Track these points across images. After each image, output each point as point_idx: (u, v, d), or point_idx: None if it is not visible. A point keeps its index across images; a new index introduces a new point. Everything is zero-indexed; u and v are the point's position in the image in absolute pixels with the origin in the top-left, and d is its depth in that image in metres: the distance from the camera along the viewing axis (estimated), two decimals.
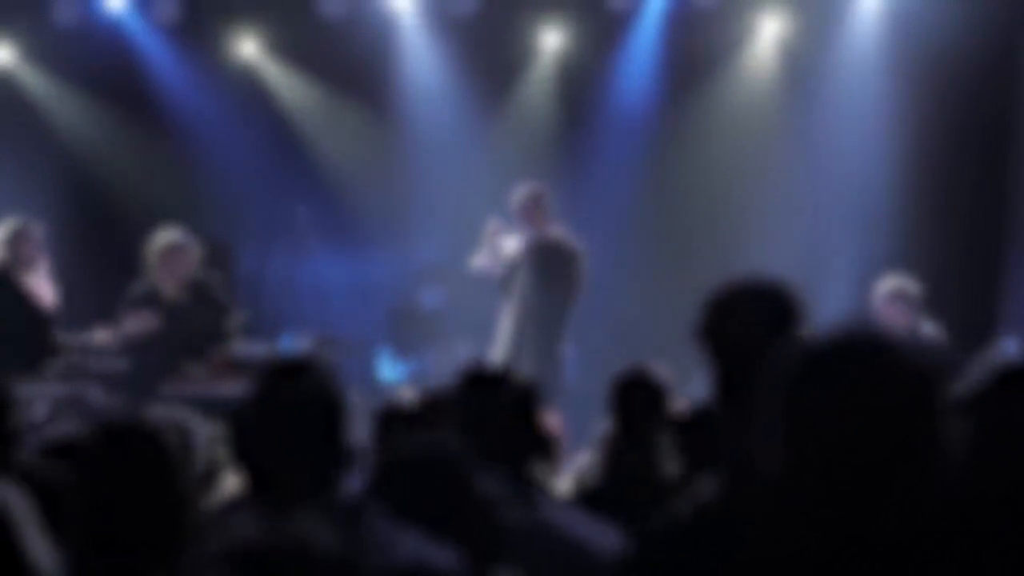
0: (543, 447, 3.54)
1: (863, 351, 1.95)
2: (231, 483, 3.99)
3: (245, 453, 3.11)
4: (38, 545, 3.11)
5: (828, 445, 1.92)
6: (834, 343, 1.98)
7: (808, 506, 1.93)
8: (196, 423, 3.92)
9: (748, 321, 3.17)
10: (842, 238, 9.93)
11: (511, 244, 9.05)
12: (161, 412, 3.87)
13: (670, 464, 3.84)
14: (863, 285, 9.08)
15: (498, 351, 8.98)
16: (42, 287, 8.66)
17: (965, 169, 10.07)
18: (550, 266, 8.89)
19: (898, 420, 1.92)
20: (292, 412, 3.00)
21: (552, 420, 5.37)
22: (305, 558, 2.79)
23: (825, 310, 9.76)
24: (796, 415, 1.95)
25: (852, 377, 1.93)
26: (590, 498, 4.30)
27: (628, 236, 10.61)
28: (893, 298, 8.28)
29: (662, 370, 4.78)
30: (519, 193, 8.99)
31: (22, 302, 8.55)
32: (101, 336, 8.54)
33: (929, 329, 8.31)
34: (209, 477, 4.04)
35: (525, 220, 8.96)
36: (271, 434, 3.01)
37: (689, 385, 6.87)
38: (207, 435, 3.98)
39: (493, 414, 3.48)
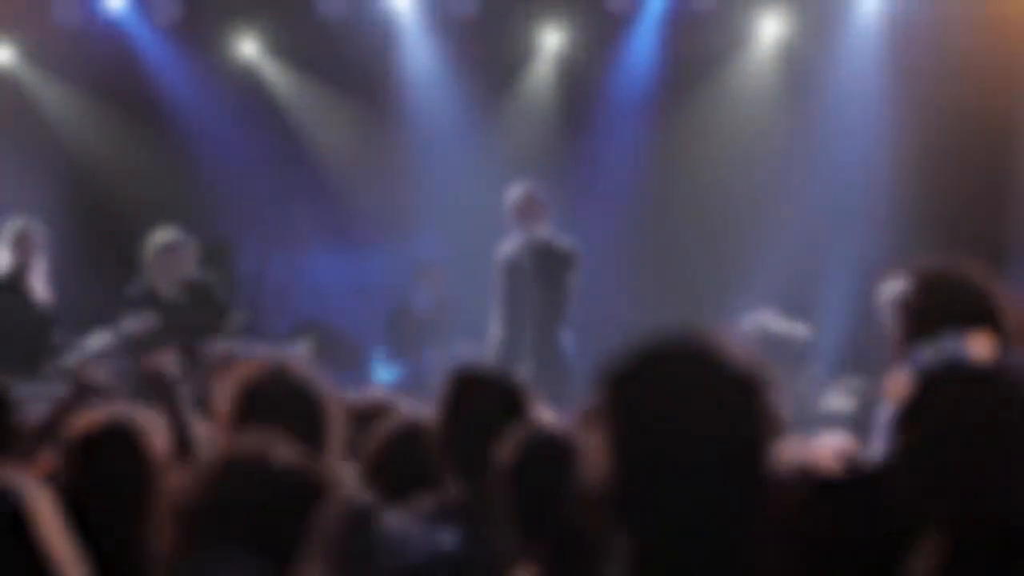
0: None
1: (686, 353, 1.96)
2: None
3: None
4: (57, 539, 3.11)
5: (650, 448, 1.92)
6: (659, 346, 1.99)
7: (629, 510, 1.93)
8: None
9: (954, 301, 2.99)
10: (842, 239, 9.93)
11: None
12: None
13: None
14: (863, 286, 9.07)
15: (490, 345, 8.98)
16: (39, 287, 8.70)
17: (966, 170, 10.07)
18: (545, 267, 8.91)
19: (720, 421, 1.92)
20: (270, 415, 3.01)
21: (548, 414, 5.36)
22: None
23: (825, 310, 9.77)
24: (619, 418, 1.95)
25: (674, 378, 1.94)
26: None
27: (627, 236, 10.61)
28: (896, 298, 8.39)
29: None
30: (513, 193, 8.98)
31: (29, 304, 8.59)
32: (98, 341, 8.55)
33: None
34: None
35: (519, 221, 8.96)
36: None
37: None
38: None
39: (481, 416, 3.45)
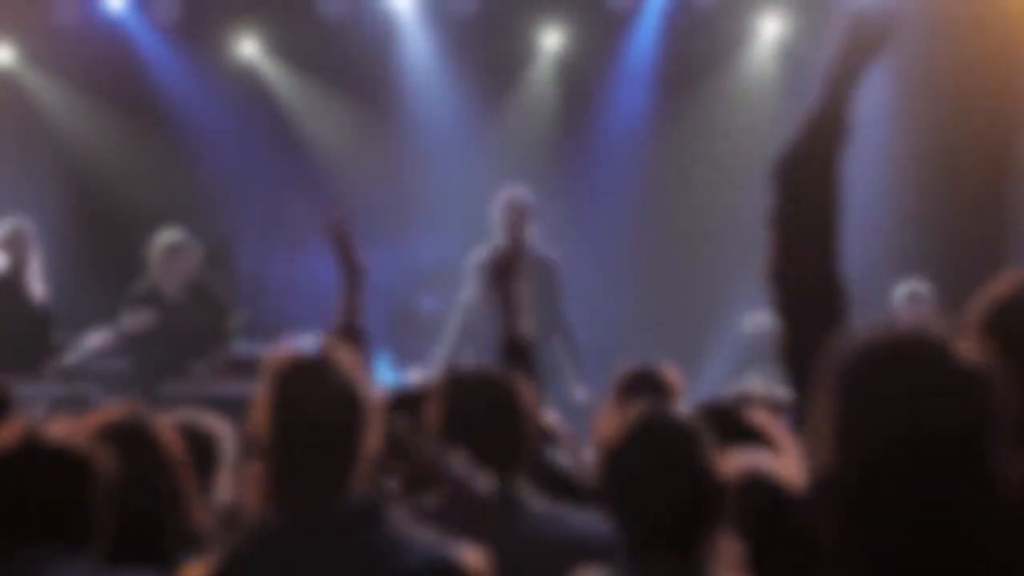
0: (530, 448, 3.44)
1: (917, 345, 1.95)
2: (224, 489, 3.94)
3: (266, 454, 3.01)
4: None
5: (886, 444, 1.90)
6: (895, 340, 1.96)
7: (861, 504, 1.91)
8: (219, 426, 3.85)
9: None
10: (842, 240, 9.91)
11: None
12: (183, 415, 3.81)
13: None
14: (864, 287, 9.06)
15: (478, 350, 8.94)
16: (35, 286, 8.72)
17: (965, 170, 10.06)
18: (534, 276, 8.86)
19: (960, 419, 1.91)
20: (311, 411, 2.90)
21: (549, 416, 5.35)
22: None
23: None
24: (854, 412, 1.93)
25: (916, 374, 1.92)
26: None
27: (627, 235, 10.60)
28: (910, 300, 8.70)
29: (671, 371, 4.69)
30: (500, 198, 8.78)
31: (25, 303, 8.60)
32: (97, 340, 8.56)
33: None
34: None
35: (503, 225, 8.79)
36: (288, 434, 2.92)
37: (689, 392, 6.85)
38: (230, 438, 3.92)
39: (475, 417, 3.41)
